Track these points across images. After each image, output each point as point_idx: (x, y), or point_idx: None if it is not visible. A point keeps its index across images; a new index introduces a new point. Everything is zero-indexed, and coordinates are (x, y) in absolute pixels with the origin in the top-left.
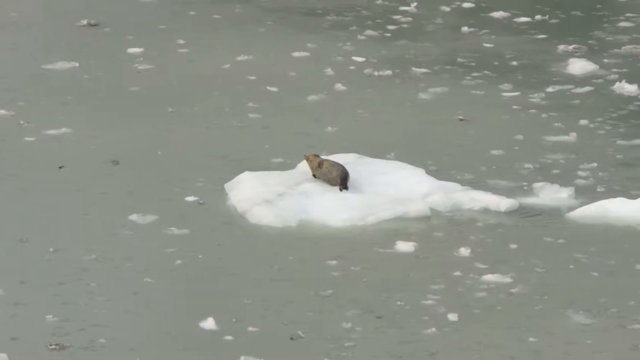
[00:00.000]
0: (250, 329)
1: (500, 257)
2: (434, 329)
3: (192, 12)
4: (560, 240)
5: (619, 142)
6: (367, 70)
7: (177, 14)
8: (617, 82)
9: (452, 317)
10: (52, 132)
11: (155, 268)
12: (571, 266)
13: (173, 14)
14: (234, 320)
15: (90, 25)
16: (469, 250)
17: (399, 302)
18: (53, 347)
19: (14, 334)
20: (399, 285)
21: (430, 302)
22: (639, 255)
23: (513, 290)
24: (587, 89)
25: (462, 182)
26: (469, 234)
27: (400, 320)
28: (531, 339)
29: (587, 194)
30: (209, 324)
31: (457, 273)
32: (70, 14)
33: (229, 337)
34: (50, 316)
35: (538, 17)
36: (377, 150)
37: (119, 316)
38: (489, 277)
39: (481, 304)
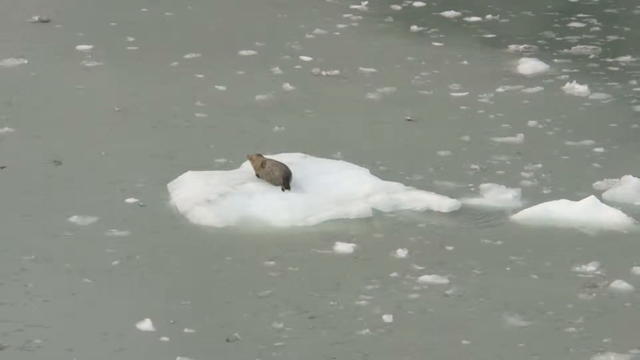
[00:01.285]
0: (186, 330)
1: (437, 259)
2: (367, 330)
3: (144, 9)
4: (499, 242)
5: (567, 142)
6: (315, 70)
7: (129, 11)
8: (568, 83)
9: (387, 318)
10: None
11: (94, 269)
12: (508, 268)
13: (125, 11)
14: (171, 321)
15: (41, 21)
16: (407, 252)
17: (332, 302)
18: None
19: None
20: (334, 286)
21: (364, 302)
22: (577, 258)
23: (448, 292)
24: (537, 89)
25: (410, 183)
26: (409, 235)
27: (333, 321)
28: (464, 342)
29: (532, 196)
30: (146, 325)
31: (394, 274)
32: (22, 10)
33: (165, 338)
34: None
35: (489, 16)
36: (324, 151)
37: (56, 317)
38: (425, 279)
39: (416, 305)
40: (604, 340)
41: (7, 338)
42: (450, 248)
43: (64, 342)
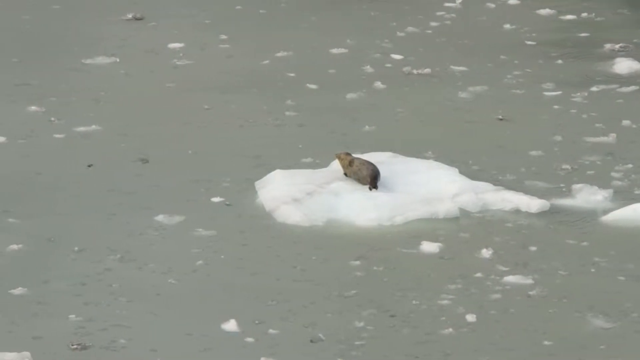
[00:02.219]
0: (271, 330)
1: (522, 259)
2: (450, 330)
3: (238, 7)
4: (586, 243)
5: None
6: (406, 69)
7: (223, 8)
8: None
9: (470, 317)
10: (81, 129)
11: (179, 269)
12: (593, 270)
13: (220, 8)
14: (256, 321)
15: (135, 19)
16: (491, 252)
17: (414, 302)
18: (75, 346)
19: (36, 333)
20: (417, 285)
21: (447, 302)
22: None
23: (531, 293)
24: (632, 88)
25: (501, 183)
26: (495, 235)
27: (415, 320)
28: (546, 342)
29: (623, 197)
30: (230, 325)
31: (478, 274)
32: (117, 8)
33: (249, 339)
34: (73, 316)
35: (584, 14)
36: (414, 150)
37: (140, 317)
38: (509, 279)
39: (499, 305)
40: None
41: (91, 338)
42: (535, 249)
43: (148, 342)
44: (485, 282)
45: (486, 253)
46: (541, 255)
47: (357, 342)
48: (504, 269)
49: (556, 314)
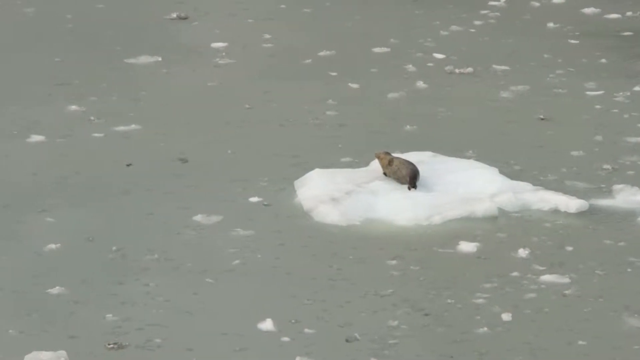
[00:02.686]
0: (307, 330)
1: (559, 259)
2: (485, 329)
3: (282, 6)
4: (624, 243)
5: None
6: (448, 68)
7: (267, 7)
8: None
9: (506, 317)
10: (121, 128)
11: (216, 268)
12: (631, 270)
13: (263, 7)
14: (292, 321)
15: (180, 18)
16: (528, 251)
17: (449, 300)
18: (111, 346)
19: (72, 332)
20: (453, 284)
21: (483, 301)
22: None
23: (567, 292)
24: None
25: (543, 183)
26: (533, 235)
27: (449, 319)
28: (580, 342)
29: None
30: (267, 324)
31: (515, 273)
32: (162, 7)
33: (285, 338)
34: (110, 315)
35: (629, 13)
36: (455, 149)
37: (176, 316)
38: (546, 278)
39: (534, 304)
40: None
41: (128, 337)
42: (573, 248)
43: (183, 342)
44: (521, 282)
45: (523, 253)
46: (578, 255)
47: (390, 341)
48: (541, 268)
49: (591, 313)
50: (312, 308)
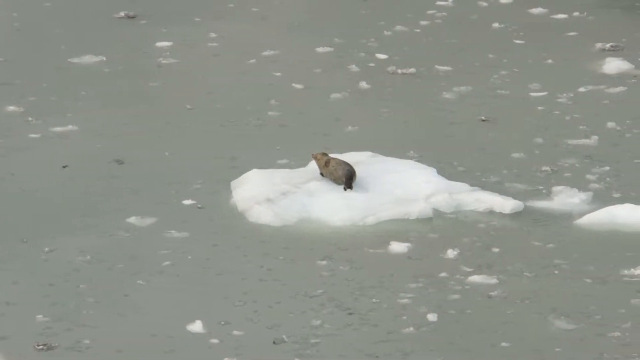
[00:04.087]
0: (235, 332)
1: (488, 260)
2: (411, 329)
3: (230, 5)
4: (555, 245)
5: None
6: (391, 68)
7: (217, 6)
8: None
9: (431, 317)
10: (58, 129)
11: (147, 270)
12: (560, 272)
13: (213, 6)
14: (222, 322)
15: (128, 17)
16: (457, 252)
17: (374, 300)
18: (40, 347)
19: (2, 333)
20: (379, 284)
21: (407, 301)
22: (636, 263)
23: (493, 294)
24: (620, 89)
25: (483, 184)
26: (465, 235)
27: (374, 319)
28: (503, 344)
29: (601, 200)
30: (196, 326)
31: (443, 274)
32: (110, 5)
33: (214, 340)
34: (40, 316)
35: (576, 14)
36: (397, 150)
37: (107, 318)
38: (474, 279)
39: (459, 305)
40: None
41: (57, 338)
42: (504, 250)
43: (113, 343)
44: (447, 282)
45: (452, 254)
46: (506, 256)
47: (312, 341)
48: (468, 269)
49: (516, 315)
50: (242, 309)
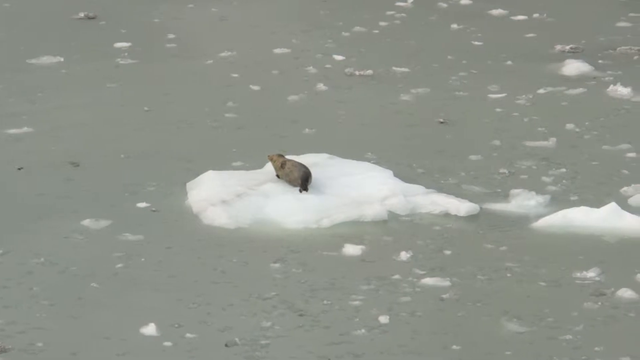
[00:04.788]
0: (188, 335)
1: (441, 262)
2: (363, 331)
3: (190, 5)
4: (510, 248)
5: (604, 147)
6: (348, 70)
7: (176, 7)
8: (612, 85)
9: (383, 319)
10: (13, 131)
11: (101, 273)
12: (515, 274)
13: (172, 6)
14: (175, 325)
15: (87, 18)
16: (411, 254)
17: (325, 302)
18: None
19: None
20: (331, 286)
21: (359, 303)
22: (589, 266)
23: (445, 296)
24: (579, 91)
25: (442, 187)
26: (420, 238)
27: (326, 321)
28: (454, 347)
29: (558, 202)
30: (149, 329)
31: (396, 276)
32: (70, 6)
33: (168, 343)
34: None
35: (536, 15)
36: (354, 152)
37: (61, 320)
38: (426, 282)
39: (410, 308)
40: (595, 349)
41: (11, 340)
42: (457, 252)
43: (66, 346)
44: (400, 285)
45: (405, 256)
46: (460, 259)
47: (262, 342)
48: (421, 272)
49: (468, 318)
50: (195, 312)
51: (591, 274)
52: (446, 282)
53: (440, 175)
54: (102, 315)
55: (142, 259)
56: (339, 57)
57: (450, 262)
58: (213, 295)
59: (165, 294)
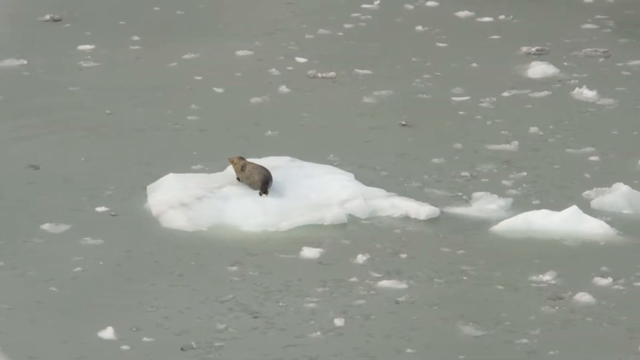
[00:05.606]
0: (145, 339)
1: (397, 266)
2: (318, 333)
3: (156, 8)
4: (469, 251)
5: (568, 150)
6: (311, 72)
7: (142, 9)
8: (577, 88)
9: (338, 322)
10: None
11: (60, 277)
12: (472, 278)
13: (138, 10)
14: (133, 329)
15: (53, 20)
16: (368, 257)
17: (280, 304)
18: None
19: None
20: (287, 289)
21: (314, 306)
22: (548, 269)
23: (401, 299)
24: (544, 93)
25: (405, 190)
26: (378, 241)
27: (280, 323)
28: (409, 350)
29: (520, 206)
30: (107, 333)
31: (354, 279)
32: (36, 8)
33: (125, 347)
34: None
35: (502, 17)
36: (316, 155)
37: (19, 324)
38: (383, 284)
39: (365, 311)
40: (550, 352)
41: None
42: (414, 256)
43: (25, 350)
44: (356, 288)
45: (361, 259)
46: (417, 262)
47: (216, 344)
48: (377, 275)
49: (423, 321)
50: (153, 315)
51: (547, 277)
52: (402, 285)
53: (404, 178)
54: (61, 319)
55: (101, 263)
56: (301, 60)
57: (407, 266)
58: (171, 298)
59: (123, 297)
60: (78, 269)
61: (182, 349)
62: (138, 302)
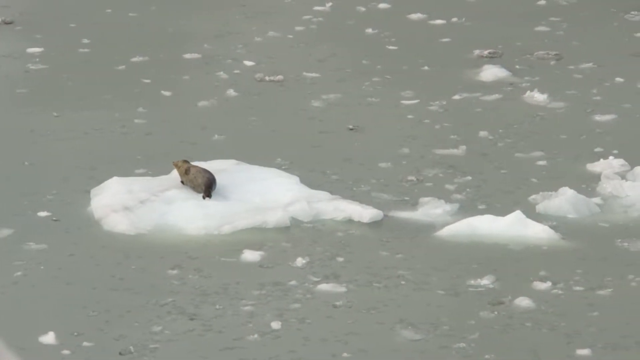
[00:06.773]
0: (85, 343)
1: (336, 269)
2: (255, 336)
3: (108, 10)
4: (410, 256)
5: (517, 154)
6: (258, 75)
7: (94, 12)
8: (529, 91)
9: (275, 325)
10: None
11: (1, 281)
12: (412, 282)
13: (90, 12)
14: (74, 333)
15: (4, 23)
16: (307, 261)
17: (217, 306)
18: None
19: None
20: (225, 291)
21: (251, 309)
22: (488, 274)
23: (338, 303)
24: (495, 97)
25: (354, 194)
26: (319, 245)
27: (217, 326)
28: (345, 354)
29: (466, 211)
30: (48, 338)
31: (293, 282)
32: None
33: (66, 352)
34: None
35: (454, 19)
36: (263, 159)
37: None
38: (321, 288)
39: (301, 314)
40: (485, 356)
41: None
42: (353, 259)
43: None
44: (293, 291)
45: (300, 262)
46: (356, 266)
47: (151, 346)
48: (316, 278)
49: (361, 325)
50: (94, 319)
51: (487, 281)
52: (341, 289)
53: (352, 182)
54: (1, 323)
55: (42, 267)
56: (249, 63)
57: (346, 269)
58: (111, 302)
59: (64, 302)
60: (19, 273)
61: (120, 353)
62: (80, 306)
